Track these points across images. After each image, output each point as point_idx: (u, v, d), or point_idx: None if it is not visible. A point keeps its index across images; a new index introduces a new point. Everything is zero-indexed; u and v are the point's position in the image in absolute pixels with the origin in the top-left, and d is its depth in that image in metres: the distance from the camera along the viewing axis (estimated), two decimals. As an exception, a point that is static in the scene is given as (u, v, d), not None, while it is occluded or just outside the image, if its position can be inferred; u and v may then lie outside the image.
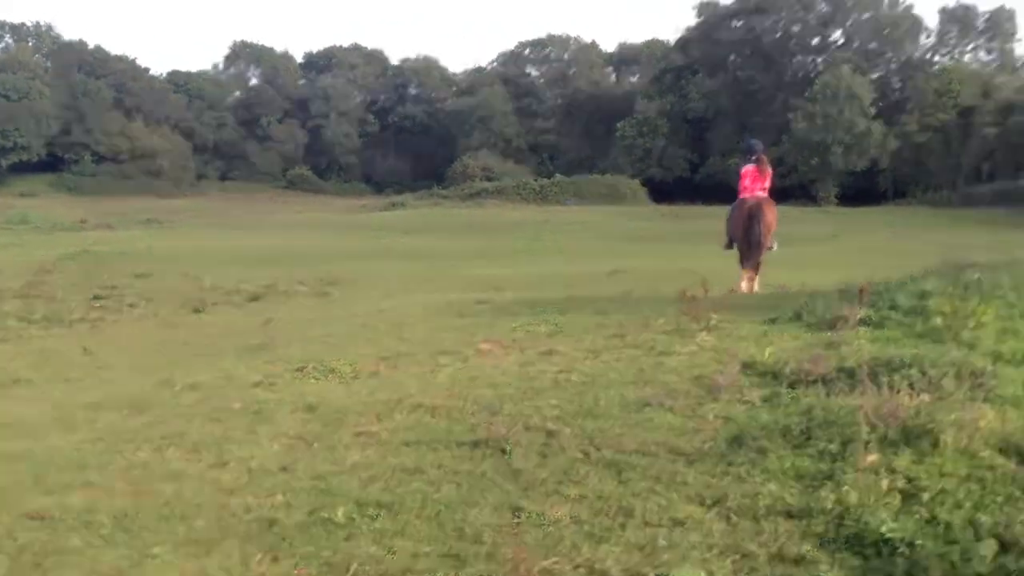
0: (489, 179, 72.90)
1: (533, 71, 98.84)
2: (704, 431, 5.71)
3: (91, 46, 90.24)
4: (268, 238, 35.00)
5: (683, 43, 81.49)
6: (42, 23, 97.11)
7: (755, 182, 14.22)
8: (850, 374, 6.22)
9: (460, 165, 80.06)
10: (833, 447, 5.04)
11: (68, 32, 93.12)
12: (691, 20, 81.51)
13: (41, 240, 34.73)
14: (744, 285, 13.90)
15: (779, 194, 18.10)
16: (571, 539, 4.34)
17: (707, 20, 78.83)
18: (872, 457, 4.82)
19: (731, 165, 54.75)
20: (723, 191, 25.71)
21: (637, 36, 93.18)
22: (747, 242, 14.07)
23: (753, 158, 14.32)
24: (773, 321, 9.05)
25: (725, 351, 7.87)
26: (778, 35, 75.30)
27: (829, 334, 8.05)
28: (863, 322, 8.23)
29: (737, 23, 76.68)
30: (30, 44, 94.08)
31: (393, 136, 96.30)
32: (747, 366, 7.12)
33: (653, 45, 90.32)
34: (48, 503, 5.04)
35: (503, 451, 5.62)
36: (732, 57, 77.91)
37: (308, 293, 17.28)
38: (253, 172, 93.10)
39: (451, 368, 8.19)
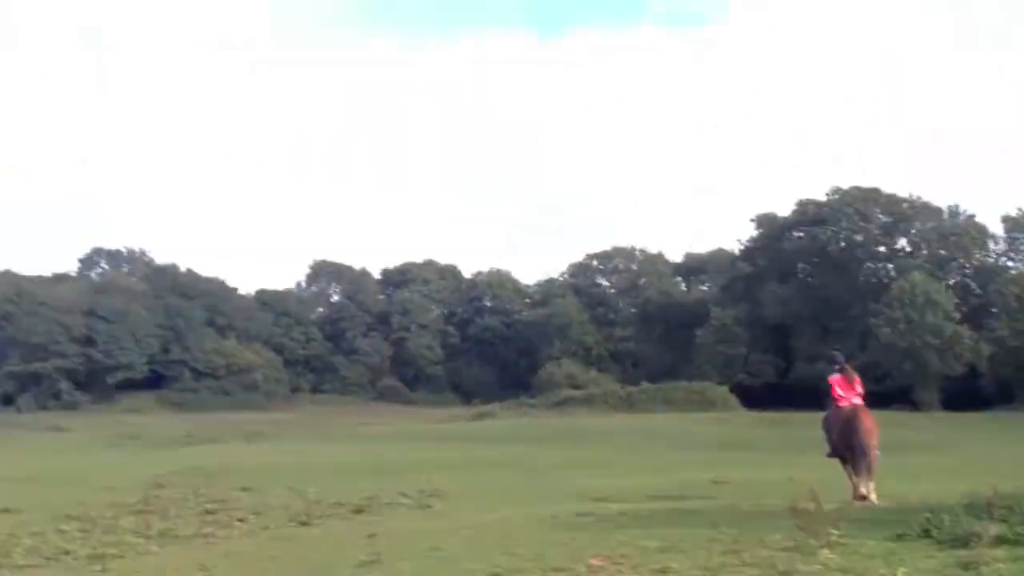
0: (575, 387, 73.13)
1: (603, 281, 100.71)
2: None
3: (183, 269, 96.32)
4: (366, 449, 35.38)
5: (748, 252, 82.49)
6: (136, 249, 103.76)
7: (846, 390, 14.53)
8: (997, 599, 5.97)
9: (545, 373, 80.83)
10: None
11: (161, 256, 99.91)
12: (752, 230, 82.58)
13: (151, 456, 35.71)
14: (860, 496, 13.47)
15: (878, 399, 17.93)
16: None
17: (768, 231, 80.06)
18: None
19: (819, 370, 54.28)
20: (816, 396, 25.35)
21: (700, 246, 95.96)
22: (851, 450, 13.97)
23: (837, 367, 14.88)
24: (900, 537, 8.74)
25: (853, 571, 7.59)
26: (842, 244, 75.40)
27: (962, 552, 7.75)
28: (998, 540, 7.92)
29: (798, 233, 77.52)
30: (125, 269, 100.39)
31: (475, 346, 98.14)
32: (882, 588, 6.87)
33: (719, 255, 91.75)
34: None
35: None
36: (800, 264, 78.26)
37: (411, 505, 17.35)
38: (344, 384, 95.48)
39: (565, 585, 8.08)
